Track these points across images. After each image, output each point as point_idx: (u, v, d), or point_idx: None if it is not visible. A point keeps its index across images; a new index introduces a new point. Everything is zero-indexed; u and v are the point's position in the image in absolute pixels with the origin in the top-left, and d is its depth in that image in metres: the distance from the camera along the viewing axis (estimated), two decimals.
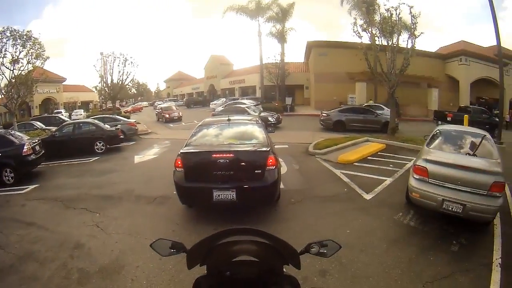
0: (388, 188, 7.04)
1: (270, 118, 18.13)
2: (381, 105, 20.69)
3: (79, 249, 4.83)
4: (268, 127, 13.08)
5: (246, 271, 1.51)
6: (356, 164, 9.15)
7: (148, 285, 3.76)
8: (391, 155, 10.28)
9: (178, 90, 69.54)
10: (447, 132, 6.51)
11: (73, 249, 4.83)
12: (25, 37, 19.00)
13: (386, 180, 7.52)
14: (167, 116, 26.84)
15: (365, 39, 14.92)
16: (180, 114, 27.69)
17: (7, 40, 18.48)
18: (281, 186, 5.61)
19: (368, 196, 6.48)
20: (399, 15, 13.66)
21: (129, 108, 48.37)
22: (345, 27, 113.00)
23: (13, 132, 11.10)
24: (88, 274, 4.14)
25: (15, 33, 18.73)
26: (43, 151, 10.46)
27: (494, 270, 3.97)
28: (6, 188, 8.77)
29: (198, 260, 1.53)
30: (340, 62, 27.76)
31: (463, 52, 30.05)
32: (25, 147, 9.30)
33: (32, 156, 9.51)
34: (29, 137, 11.30)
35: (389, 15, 13.72)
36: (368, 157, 9.94)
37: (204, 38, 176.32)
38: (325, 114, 17.97)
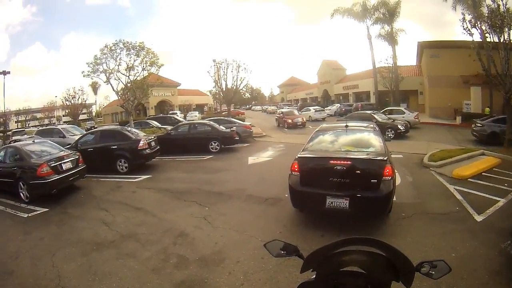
0: (500, 210, 6.06)
1: (400, 126, 17.06)
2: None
3: (183, 237, 5.18)
4: (397, 135, 12.28)
5: (352, 282, 1.47)
6: (470, 180, 8.15)
7: (244, 280, 3.83)
8: (506, 172, 8.78)
9: (292, 95, 70.28)
10: None
11: (177, 237, 5.18)
12: (138, 47, 21.89)
13: (499, 201, 6.48)
14: (289, 121, 24.19)
15: (477, 36, 13.00)
16: (304, 119, 25.00)
17: (120, 51, 21.64)
18: (393, 198, 5.26)
19: (479, 218, 5.67)
20: (506, 5, 11.63)
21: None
22: (453, 24, 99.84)
23: (129, 128, 12.83)
24: (187, 261, 4.38)
25: (128, 44, 21.80)
26: (158, 147, 11.81)
27: None
28: (119, 175, 9.96)
29: (312, 265, 1.49)
30: (453, 64, 24.84)
31: None
32: (141, 142, 10.66)
33: (147, 150, 10.81)
34: (145, 134, 12.88)
35: (496, 6, 11.81)
36: (483, 173, 8.76)
37: (315, 43, 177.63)
38: (479, 125, 15.49)
